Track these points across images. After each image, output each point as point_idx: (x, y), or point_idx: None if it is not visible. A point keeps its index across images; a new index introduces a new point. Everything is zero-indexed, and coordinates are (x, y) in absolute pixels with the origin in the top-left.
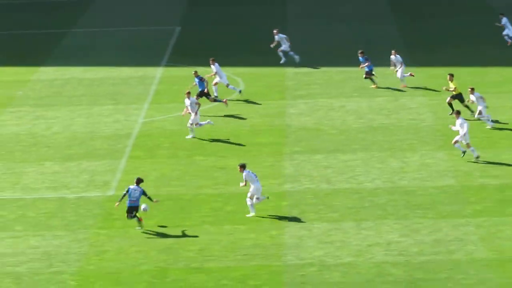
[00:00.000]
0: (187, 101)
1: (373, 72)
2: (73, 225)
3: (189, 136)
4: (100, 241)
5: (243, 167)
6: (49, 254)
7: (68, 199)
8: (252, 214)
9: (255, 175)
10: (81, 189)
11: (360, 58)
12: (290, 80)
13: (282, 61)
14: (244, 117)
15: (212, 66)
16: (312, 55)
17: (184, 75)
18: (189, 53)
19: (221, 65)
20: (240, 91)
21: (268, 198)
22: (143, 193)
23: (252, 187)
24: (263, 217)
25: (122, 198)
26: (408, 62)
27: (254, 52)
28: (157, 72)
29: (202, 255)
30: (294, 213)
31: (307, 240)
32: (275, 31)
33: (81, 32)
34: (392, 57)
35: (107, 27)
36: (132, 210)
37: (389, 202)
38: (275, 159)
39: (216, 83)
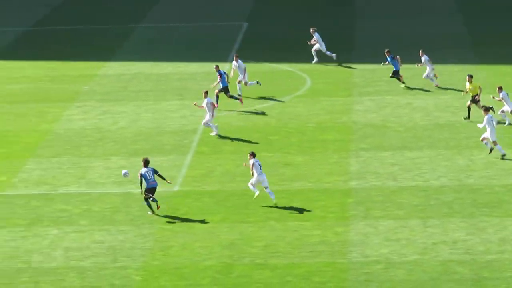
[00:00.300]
0: (204, 101)
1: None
2: (138, 220)
3: (213, 133)
4: (165, 237)
5: (252, 155)
6: (114, 249)
7: (133, 194)
8: (256, 193)
9: (260, 166)
10: None
11: (388, 57)
12: (357, 77)
13: (314, 61)
14: (310, 113)
15: (235, 62)
16: (379, 52)
17: (251, 71)
18: (256, 48)
19: (287, 61)
20: (258, 82)
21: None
22: (155, 171)
23: (255, 177)
24: (328, 214)
25: (141, 184)
26: (476, 59)
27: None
28: (224, 68)
29: (267, 251)
30: (359, 210)
31: (373, 237)
32: (312, 30)
33: (149, 27)
34: (422, 57)
35: (175, 22)
36: (153, 191)
37: (455, 200)
38: (341, 156)
39: (240, 81)
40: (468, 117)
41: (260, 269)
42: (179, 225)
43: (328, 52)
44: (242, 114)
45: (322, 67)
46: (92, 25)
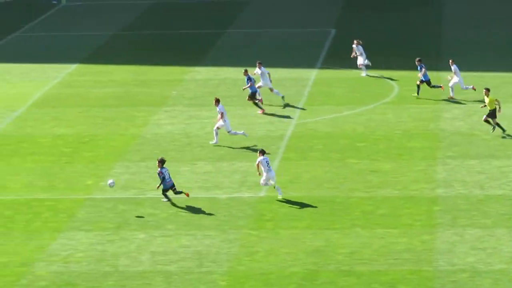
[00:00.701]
0: (218, 108)
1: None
2: (224, 225)
3: (213, 142)
4: (251, 242)
5: (261, 152)
6: (200, 254)
7: (220, 199)
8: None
9: (268, 163)
10: (233, 190)
11: (418, 66)
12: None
13: (363, 75)
14: (398, 120)
15: (257, 69)
16: (467, 59)
17: (338, 77)
18: (344, 55)
19: (375, 68)
20: (283, 97)
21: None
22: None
23: (264, 175)
24: (415, 222)
25: (162, 182)
26: None
27: (408, 55)
28: (312, 74)
29: (352, 258)
30: (446, 218)
31: (459, 245)
32: (356, 42)
33: (237, 32)
34: (452, 67)
35: (262, 28)
36: (171, 188)
37: None
38: (428, 164)
39: (259, 86)
40: (494, 127)
41: (346, 276)
42: (265, 231)
43: (364, 63)
44: (330, 120)
45: (410, 74)
46: (181, 30)
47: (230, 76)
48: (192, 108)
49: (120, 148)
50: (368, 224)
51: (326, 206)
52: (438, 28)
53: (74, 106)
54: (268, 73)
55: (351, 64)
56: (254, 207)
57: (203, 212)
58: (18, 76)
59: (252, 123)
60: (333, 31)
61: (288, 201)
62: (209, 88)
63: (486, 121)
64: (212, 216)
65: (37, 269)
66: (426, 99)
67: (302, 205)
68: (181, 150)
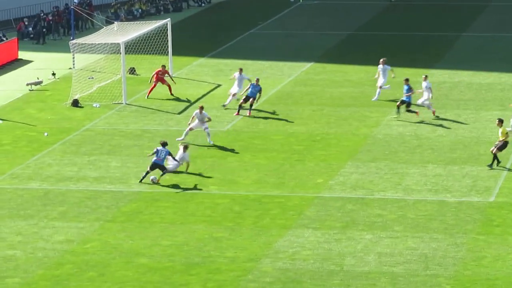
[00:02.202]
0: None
1: None
2: (452, 229)
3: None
4: (478, 247)
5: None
6: (426, 257)
7: (448, 203)
8: None
9: (165, 155)
10: (462, 193)
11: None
12: None
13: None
14: None
15: (237, 74)
16: None
17: None
18: None
19: None
20: (224, 105)
21: None
22: (169, 153)
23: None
24: None
25: (151, 155)
26: None
27: None
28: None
29: None
30: None
31: None
32: (382, 61)
33: (473, 36)
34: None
35: (500, 32)
36: (156, 167)
37: None
38: None
39: (234, 94)
40: (494, 164)
41: None
42: (493, 236)
43: (381, 88)
44: None
45: None
46: (415, 32)
47: (464, 79)
48: (424, 110)
49: (351, 147)
50: None
51: None
52: None
53: (308, 104)
54: (249, 79)
55: None
56: (483, 212)
57: (431, 215)
58: (251, 73)
59: (484, 127)
60: None
61: None
62: (442, 90)
63: (495, 154)
64: (440, 219)
65: (263, 265)
66: None
67: None
68: (411, 152)
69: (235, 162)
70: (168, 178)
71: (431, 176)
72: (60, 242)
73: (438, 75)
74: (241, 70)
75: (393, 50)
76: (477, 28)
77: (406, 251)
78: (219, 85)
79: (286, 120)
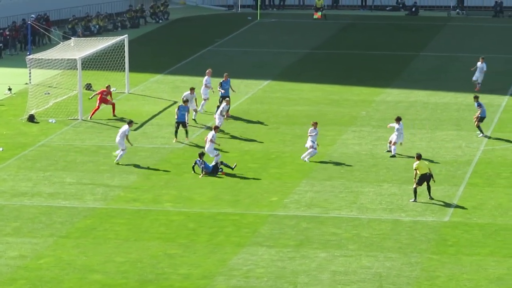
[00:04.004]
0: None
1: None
2: (406, 248)
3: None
4: (433, 266)
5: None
6: (380, 276)
7: (403, 222)
8: None
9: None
10: (417, 213)
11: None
12: None
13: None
14: None
15: (207, 77)
16: None
17: None
18: None
19: None
20: (194, 115)
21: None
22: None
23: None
24: None
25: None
26: None
27: None
28: (503, 101)
29: None
30: None
31: None
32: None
33: (429, 55)
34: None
35: (456, 52)
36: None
37: None
38: None
39: (194, 109)
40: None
41: None
42: (447, 256)
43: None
44: None
45: None
46: (373, 51)
47: (420, 99)
48: (380, 130)
49: (307, 166)
50: None
51: (511, 234)
52: None
53: (264, 122)
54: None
55: None
56: (437, 231)
57: (386, 234)
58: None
59: (440, 147)
60: None
61: (471, 227)
62: (398, 110)
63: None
64: (394, 239)
65: (217, 283)
66: None
67: (486, 232)
68: (366, 171)
69: (190, 179)
70: (123, 195)
71: (386, 195)
72: (14, 258)
73: (395, 94)
74: (192, 89)
75: (350, 69)
76: (434, 48)
77: (360, 270)
78: (175, 102)
79: (242, 138)
